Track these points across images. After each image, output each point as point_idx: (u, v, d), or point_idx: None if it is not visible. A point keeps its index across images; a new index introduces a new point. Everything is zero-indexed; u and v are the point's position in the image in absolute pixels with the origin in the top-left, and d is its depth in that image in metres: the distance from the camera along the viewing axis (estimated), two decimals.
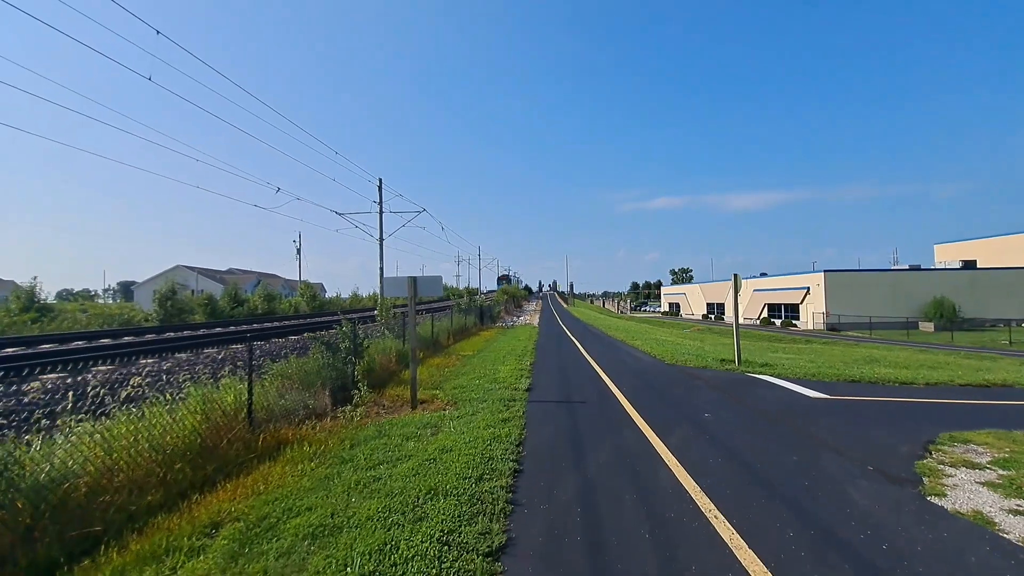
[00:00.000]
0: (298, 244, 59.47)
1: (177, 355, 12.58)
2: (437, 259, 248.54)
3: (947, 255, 65.74)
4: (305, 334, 10.04)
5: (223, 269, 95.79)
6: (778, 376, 10.67)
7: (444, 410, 7.90)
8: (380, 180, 34.57)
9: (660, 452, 5.42)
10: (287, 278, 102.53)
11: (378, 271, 26.67)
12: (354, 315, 21.48)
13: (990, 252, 60.20)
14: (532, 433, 6.26)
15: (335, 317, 25.59)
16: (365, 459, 5.28)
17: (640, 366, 12.70)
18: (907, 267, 56.94)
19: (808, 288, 49.70)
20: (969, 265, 55.21)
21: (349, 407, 8.30)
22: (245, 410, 6.30)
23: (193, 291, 45.96)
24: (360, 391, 8.85)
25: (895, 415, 7.19)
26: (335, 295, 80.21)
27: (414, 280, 8.42)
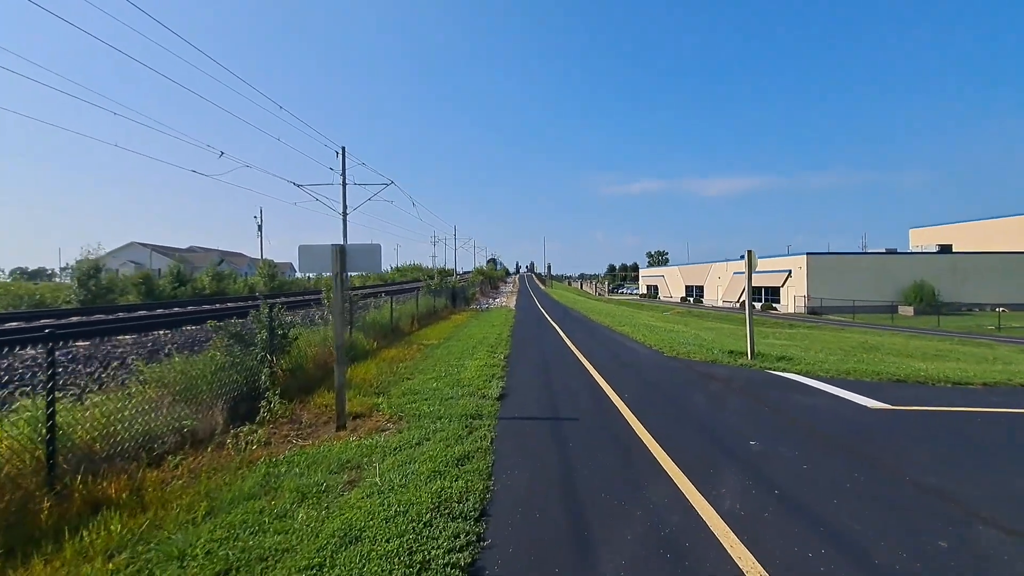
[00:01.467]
0: (259, 220, 55.54)
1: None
2: (414, 239, 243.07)
3: (922, 239, 65.96)
4: (209, 323, 7.52)
5: (183, 247, 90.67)
6: (806, 375, 8.71)
7: (381, 433, 5.62)
8: (343, 148, 31.43)
9: (714, 530, 3.26)
10: (254, 257, 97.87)
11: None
12: (297, 297, 18.62)
13: (964, 237, 60.48)
14: (501, 488, 4.01)
15: (289, 299, 22.85)
16: (201, 560, 2.97)
17: (636, 360, 10.62)
18: (883, 251, 56.65)
19: (790, 271, 48.78)
20: (945, 249, 55.23)
21: (251, 426, 5.96)
22: (41, 451, 3.90)
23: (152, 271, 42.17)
24: (270, 402, 6.49)
25: (1010, 437, 5.22)
26: (304, 276, 76.45)
27: (341, 250, 6.05)
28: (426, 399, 6.90)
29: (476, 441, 5.03)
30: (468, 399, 6.85)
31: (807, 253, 47.58)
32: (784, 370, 9.20)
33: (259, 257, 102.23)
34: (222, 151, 21.51)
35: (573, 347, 12.44)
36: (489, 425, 5.62)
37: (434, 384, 7.87)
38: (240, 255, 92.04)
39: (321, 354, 9.54)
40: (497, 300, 41.01)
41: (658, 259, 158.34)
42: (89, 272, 21.01)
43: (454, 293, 27.72)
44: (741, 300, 56.31)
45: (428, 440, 5.14)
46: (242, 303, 20.85)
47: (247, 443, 5.48)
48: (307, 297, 24.07)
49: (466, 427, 5.51)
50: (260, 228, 55.63)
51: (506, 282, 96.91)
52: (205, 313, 15.61)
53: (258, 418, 6.24)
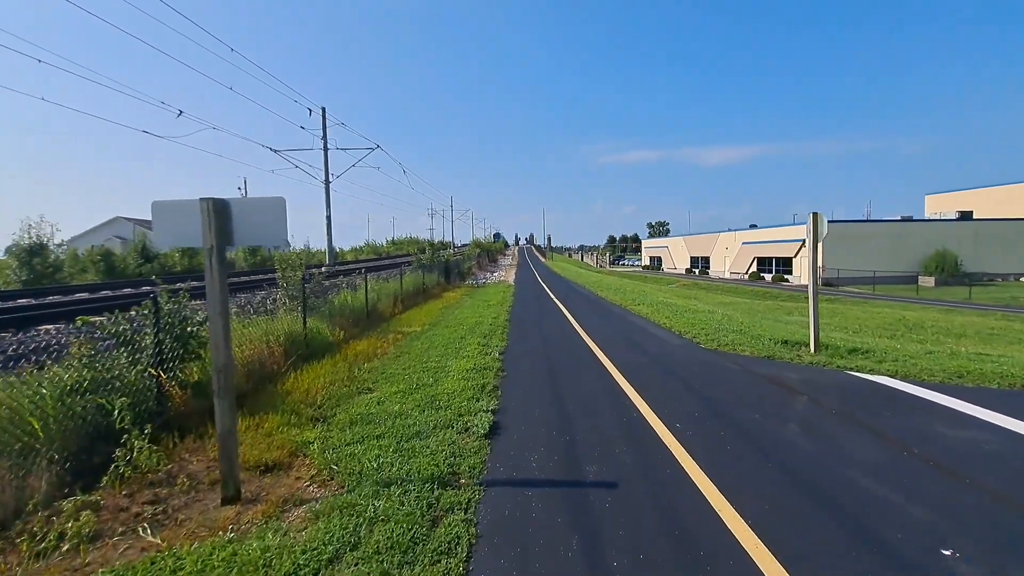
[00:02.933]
0: (243, 192, 52.55)
1: None
2: (412, 212, 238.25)
3: (940, 206, 63.02)
4: (78, 320, 5.15)
5: None
6: (908, 379, 6.40)
7: (295, 508, 3.36)
8: (323, 109, 28.54)
9: None
10: None
11: (333, 223, 21.62)
12: (270, 275, 16.10)
13: (983, 203, 57.65)
14: None
15: (256, 277, 20.44)
16: None
17: (671, 357, 8.25)
18: (899, 218, 53.95)
19: (803, 240, 46.13)
20: (966, 216, 52.54)
21: (82, 497, 3.67)
22: None
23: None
24: (131, 449, 4.16)
25: None
26: (302, 248, 73.66)
27: (216, 208, 3.60)
28: (380, 437, 4.59)
29: (437, 555, 2.73)
30: (442, 436, 4.53)
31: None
32: (871, 371, 6.88)
33: None
34: (180, 110, 18.84)
35: (586, 336, 10.12)
36: (467, 507, 3.30)
37: (398, 404, 5.55)
38: None
39: (259, 355, 7.23)
40: (496, 274, 38.65)
41: (659, 229, 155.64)
42: (31, 249, 18.52)
43: (447, 268, 25.33)
44: (750, 271, 53.92)
45: (356, 547, 2.85)
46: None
47: (60, 537, 3.21)
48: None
49: (428, 514, 3.19)
50: None
51: (505, 255, 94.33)
52: (95, 303, 13.13)
53: (106, 477, 3.95)
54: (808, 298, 8.73)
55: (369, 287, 14.05)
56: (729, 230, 60.96)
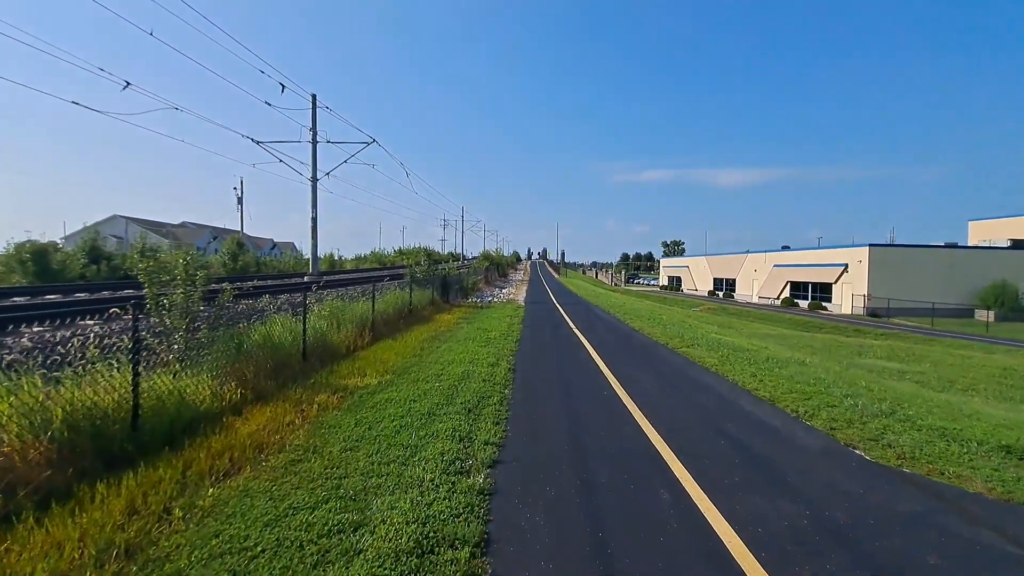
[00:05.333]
0: (239, 192, 49.52)
1: None
2: (424, 221, 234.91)
3: (987, 233, 57.92)
4: None
5: (175, 223, 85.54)
6: None
7: None
8: (313, 96, 25.07)
9: None
10: (253, 235, 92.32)
11: (321, 225, 18.05)
12: (235, 285, 12.47)
13: None
14: None
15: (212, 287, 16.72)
16: None
17: (830, 501, 4.18)
18: (943, 244, 49.26)
19: (846, 265, 41.70)
20: (1020, 245, 47.83)
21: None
22: None
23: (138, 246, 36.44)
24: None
25: None
26: (296, 254, 69.84)
27: None
28: None
29: None
30: None
31: (870, 244, 40.46)
32: None
33: (253, 234, 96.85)
34: (127, 81, 15.35)
35: (640, 417, 6.07)
36: None
37: None
38: (236, 231, 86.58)
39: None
40: (504, 291, 34.72)
41: (674, 249, 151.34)
42: None
43: (445, 283, 21.41)
44: (782, 296, 49.35)
45: None
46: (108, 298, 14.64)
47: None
48: (252, 285, 18.10)
49: None
50: (240, 200, 49.66)
51: (516, 269, 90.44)
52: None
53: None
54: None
55: (321, 311, 10.18)
56: (757, 251, 56.62)
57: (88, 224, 60.17)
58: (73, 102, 15.86)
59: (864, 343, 22.62)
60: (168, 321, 6.61)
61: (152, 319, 6.60)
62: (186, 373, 6.15)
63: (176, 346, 6.54)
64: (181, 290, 6.75)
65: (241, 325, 7.68)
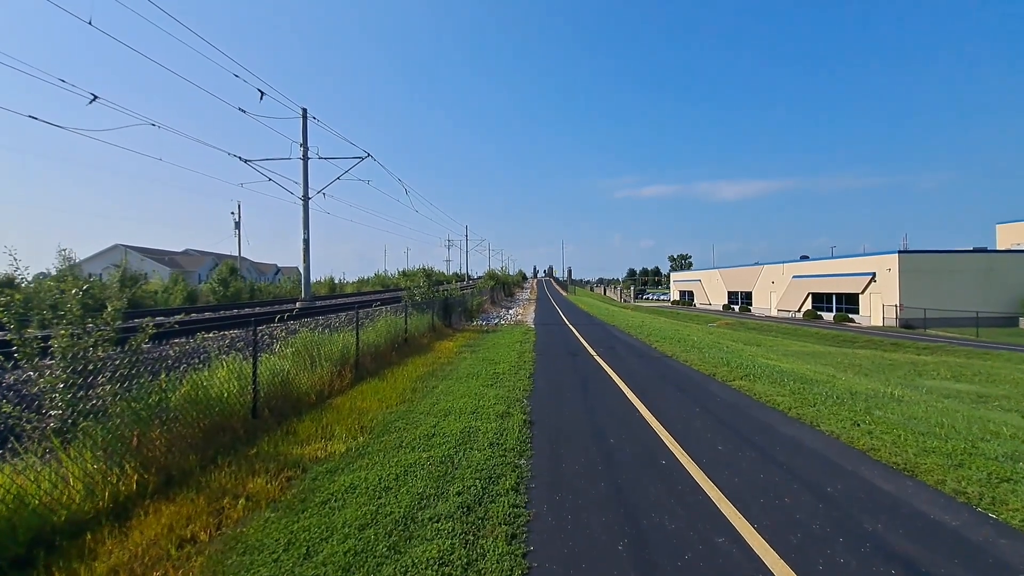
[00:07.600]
0: (236, 216, 48.28)
1: None
2: (428, 243, 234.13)
3: (1017, 236, 55.38)
4: None
5: (178, 250, 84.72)
6: None
7: None
8: (304, 111, 23.56)
9: None
10: (256, 261, 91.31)
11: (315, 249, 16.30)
12: (197, 316, 10.07)
13: None
14: None
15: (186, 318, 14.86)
16: None
17: None
18: (971, 249, 46.77)
19: (874, 274, 39.30)
20: None
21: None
22: None
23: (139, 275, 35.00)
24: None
25: None
26: (286, 279, 68.12)
27: None
28: None
29: None
30: None
31: (899, 251, 38.17)
32: None
33: (257, 259, 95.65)
34: (94, 94, 13.83)
35: (720, 498, 4.01)
36: None
37: None
38: (242, 259, 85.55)
39: None
40: (511, 311, 32.70)
41: (681, 263, 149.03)
42: None
43: (447, 305, 19.44)
44: (804, 308, 46.82)
45: None
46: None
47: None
48: (221, 316, 16.31)
49: None
50: (237, 224, 48.38)
51: (523, 287, 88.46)
52: None
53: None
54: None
55: (286, 349, 8.23)
56: (773, 262, 54.27)
57: (89, 256, 59.12)
58: (30, 116, 14.27)
59: (916, 360, 20.26)
60: (44, 377, 4.71)
61: (17, 374, 4.68)
62: (66, 451, 4.25)
63: (55, 412, 4.62)
64: (65, 331, 4.85)
65: (164, 376, 5.72)
